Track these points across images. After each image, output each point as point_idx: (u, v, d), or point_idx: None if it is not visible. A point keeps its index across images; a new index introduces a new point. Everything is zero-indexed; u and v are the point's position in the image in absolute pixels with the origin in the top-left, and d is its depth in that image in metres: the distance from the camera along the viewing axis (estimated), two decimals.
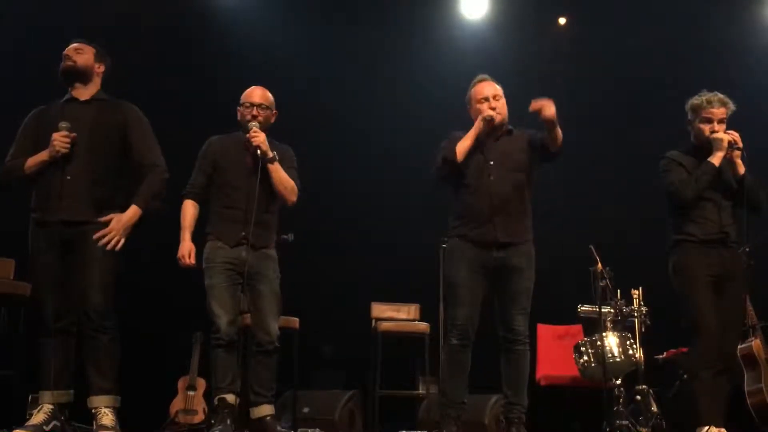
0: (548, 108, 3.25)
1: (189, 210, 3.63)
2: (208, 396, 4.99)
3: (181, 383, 5.11)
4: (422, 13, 6.75)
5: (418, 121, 6.10)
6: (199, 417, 4.96)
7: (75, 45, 3.39)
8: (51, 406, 3.14)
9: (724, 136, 3.57)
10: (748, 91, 6.22)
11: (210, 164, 3.66)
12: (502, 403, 3.54)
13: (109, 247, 3.16)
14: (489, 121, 3.49)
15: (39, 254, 3.21)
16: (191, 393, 5.05)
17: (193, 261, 3.57)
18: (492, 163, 3.51)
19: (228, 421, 3.40)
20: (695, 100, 3.69)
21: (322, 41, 6.44)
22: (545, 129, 3.36)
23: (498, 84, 3.65)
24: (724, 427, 3.43)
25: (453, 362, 3.46)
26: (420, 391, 5.50)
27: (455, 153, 3.47)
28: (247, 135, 3.54)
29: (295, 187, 3.65)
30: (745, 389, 4.31)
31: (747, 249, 4.45)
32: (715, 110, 3.61)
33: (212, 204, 3.66)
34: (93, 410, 3.11)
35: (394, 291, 5.76)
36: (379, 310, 5.67)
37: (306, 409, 4.82)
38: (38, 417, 3.11)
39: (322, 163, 5.71)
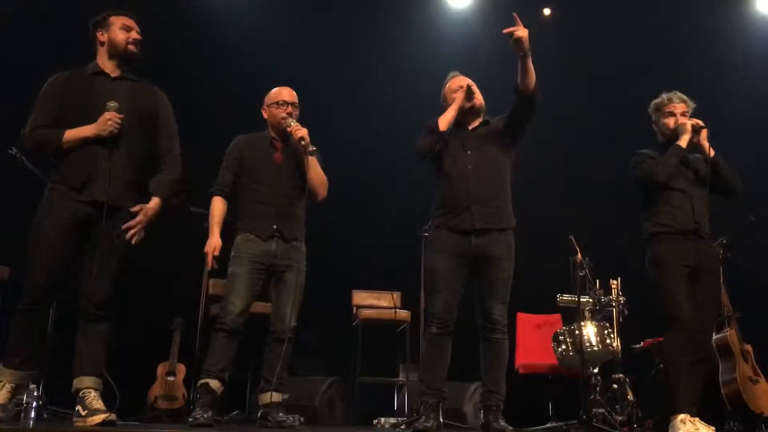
0: (522, 31, 3.27)
1: (218, 206, 3.73)
2: (187, 382, 4.99)
3: (160, 369, 5.10)
4: (407, 2, 6.73)
5: (402, 110, 6.09)
6: (179, 403, 4.95)
7: (139, 30, 3.29)
8: (12, 385, 3.02)
9: (688, 120, 3.74)
10: (736, 83, 6.32)
11: (237, 162, 3.76)
12: (481, 391, 3.57)
13: (134, 240, 3.12)
14: (470, 93, 3.53)
15: (52, 228, 3.04)
16: (171, 379, 5.03)
17: (215, 258, 3.62)
18: (470, 152, 3.55)
19: (208, 408, 3.42)
20: (656, 100, 3.88)
21: (304, 30, 6.40)
22: (518, 61, 3.35)
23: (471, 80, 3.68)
24: (699, 415, 3.48)
25: (433, 351, 3.49)
26: (400, 379, 5.53)
27: (437, 123, 3.52)
28: (288, 129, 3.66)
29: (327, 182, 3.78)
30: (720, 379, 4.38)
31: (723, 241, 4.53)
32: (676, 104, 3.80)
33: (241, 200, 3.75)
34: (82, 391, 3.04)
35: (375, 279, 5.77)
36: (360, 297, 5.69)
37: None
38: (1, 395, 2.98)
39: None
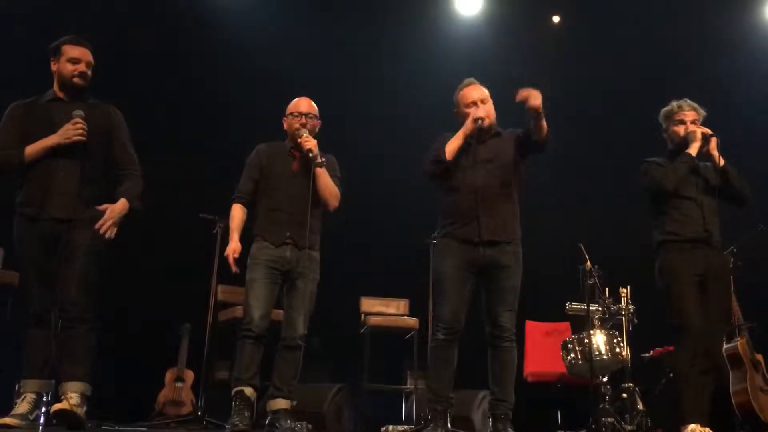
0: (535, 97, 3.26)
1: (237, 213, 3.80)
2: (196, 388, 4.99)
3: (169, 375, 5.11)
4: (416, 9, 6.74)
5: (411, 118, 6.10)
6: (187, 408, 4.96)
7: (90, 60, 3.39)
8: (34, 396, 3.20)
9: (698, 129, 3.72)
10: (742, 90, 6.30)
11: (257, 170, 3.82)
12: (489, 399, 3.55)
13: (106, 236, 3.23)
14: (479, 124, 3.50)
15: (28, 250, 3.26)
16: (179, 385, 5.04)
17: (236, 261, 3.67)
18: (479, 165, 3.52)
19: (245, 413, 3.49)
20: (666, 108, 3.87)
21: (313, 38, 6.41)
22: (531, 119, 3.36)
23: (485, 87, 3.65)
24: (709, 425, 3.46)
25: (439, 357, 3.48)
26: (408, 386, 5.52)
27: (444, 153, 3.51)
28: (299, 140, 3.70)
29: (338, 194, 3.81)
30: (731, 389, 4.35)
31: (734, 249, 4.51)
32: (687, 112, 3.79)
33: (258, 207, 3.80)
34: (61, 397, 3.12)
35: (383, 286, 5.77)
36: (368, 304, 5.68)
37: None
38: (23, 406, 3.17)
39: None
